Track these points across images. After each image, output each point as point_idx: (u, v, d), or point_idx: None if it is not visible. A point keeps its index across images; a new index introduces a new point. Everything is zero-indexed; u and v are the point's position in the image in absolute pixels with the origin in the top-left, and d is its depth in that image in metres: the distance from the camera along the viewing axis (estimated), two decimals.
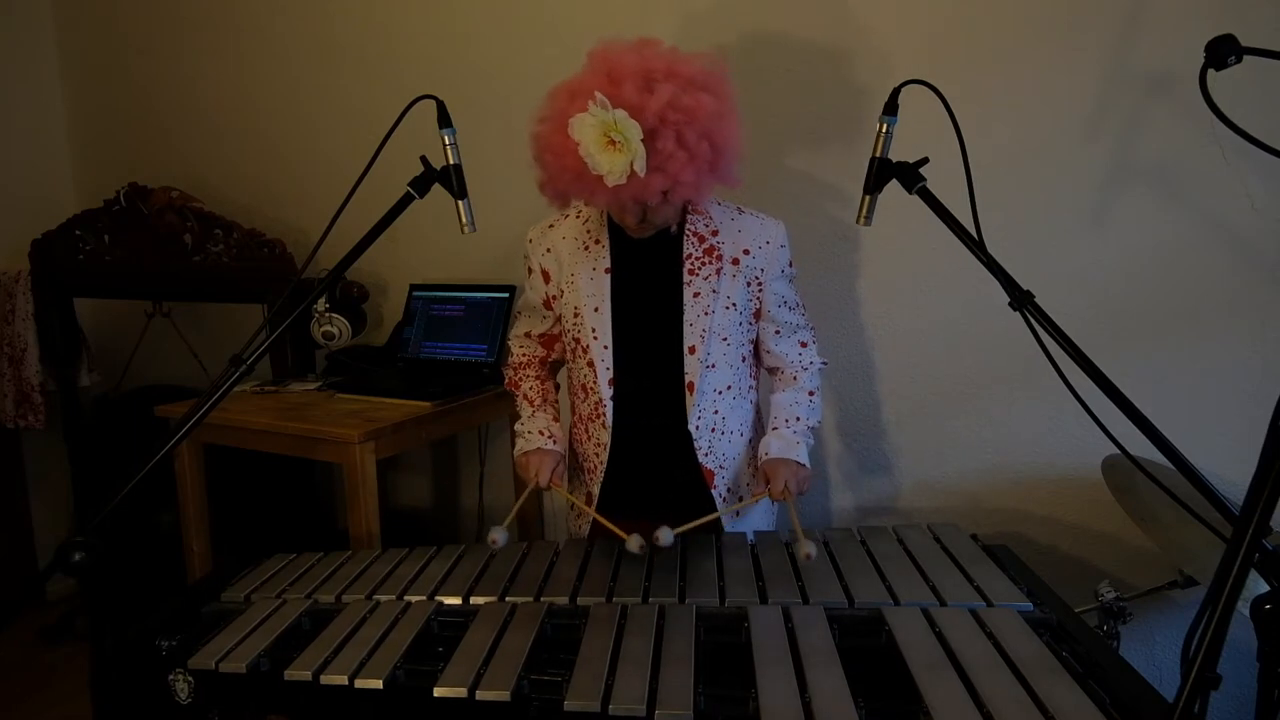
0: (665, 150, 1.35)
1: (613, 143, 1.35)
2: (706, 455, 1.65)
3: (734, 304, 1.61)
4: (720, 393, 1.64)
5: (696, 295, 1.59)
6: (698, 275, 1.60)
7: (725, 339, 1.62)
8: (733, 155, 1.44)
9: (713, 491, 1.66)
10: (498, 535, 1.46)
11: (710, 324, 1.59)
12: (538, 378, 1.80)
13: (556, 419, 1.75)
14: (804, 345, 1.72)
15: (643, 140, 1.34)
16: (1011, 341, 1.95)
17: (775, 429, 1.66)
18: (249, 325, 2.85)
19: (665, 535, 1.45)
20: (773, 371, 1.74)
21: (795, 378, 1.70)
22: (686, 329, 1.60)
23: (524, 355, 1.82)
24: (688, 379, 1.61)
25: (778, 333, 1.69)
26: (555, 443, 1.69)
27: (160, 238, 2.79)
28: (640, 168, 1.35)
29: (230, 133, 3.00)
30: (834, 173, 2.10)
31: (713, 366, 1.62)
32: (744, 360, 1.67)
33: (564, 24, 2.34)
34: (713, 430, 1.65)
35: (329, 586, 1.52)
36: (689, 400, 1.61)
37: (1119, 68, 1.81)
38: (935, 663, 1.15)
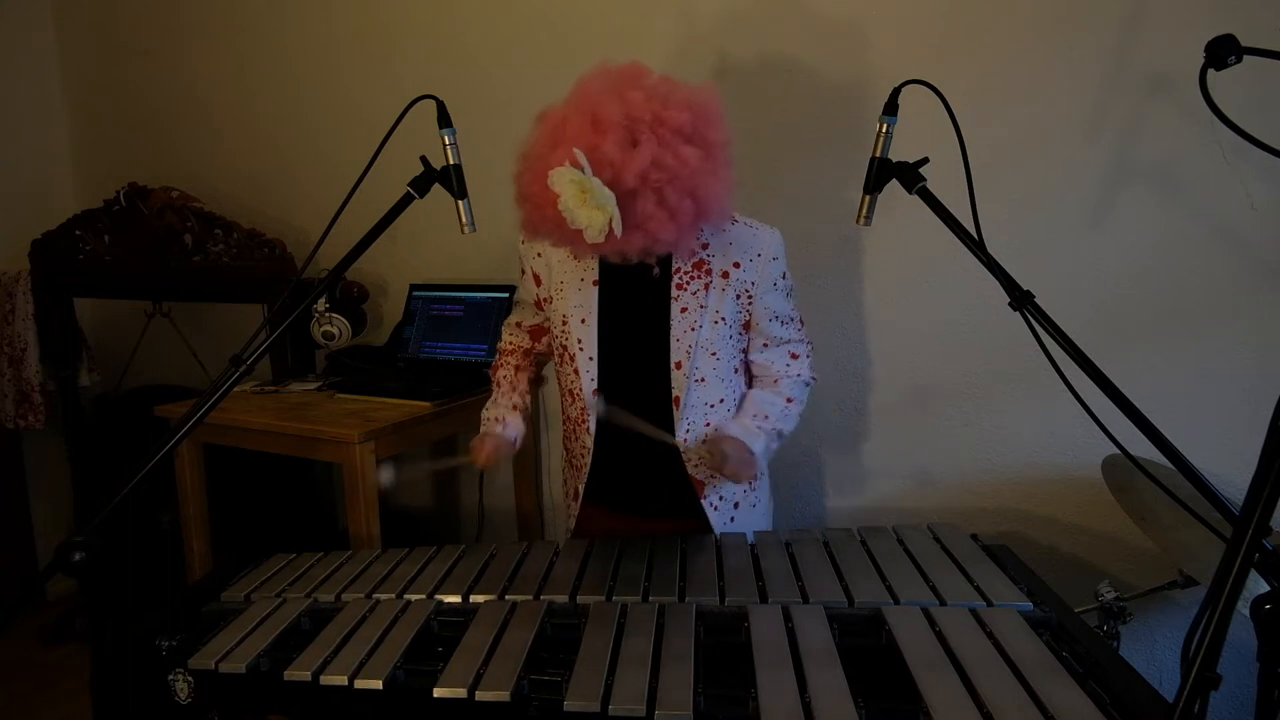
0: (645, 211, 1.33)
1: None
2: (697, 467, 1.64)
3: (723, 318, 1.58)
4: (713, 406, 1.62)
5: (684, 311, 1.57)
6: (685, 290, 1.58)
7: (714, 354, 1.60)
8: (718, 204, 1.40)
9: (703, 501, 1.65)
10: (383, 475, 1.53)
11: (697, 339, 1.57)
12: (516, 366, 1.82)
13: (517, 407, 1.76)
14: (794, 357, 1.68)
15: (620, 203, 1.31)
16: (1011, 341, 1.95)
17: (739, 418, 1.62)
18: (249, 325, 2.84)
19: (599, 404, 1.53)
20: (755, 377, 1.71)
21: (776, 381, 1.67)
22: (673, 344, 1.58)
23: (510, 343, 1.86)
24: (674, 394, 1.60)
25: (765, 345, 1.66)
26: (504, 428, 1.71)
27: (160, 238, 2.79)
28: (617, 227, 1.33)
29: (230, 133, 3.00)
30: (834, 173, 2.09)
31: (702, 381, 1.60)
32: (736, 372, 1.65)
33: (565, 24, 2.34)
34: (703, 442, 1.62)
35: (329, 586, 1.52)
36: (675, 415, 1.60)
37: (1119, 68, 1.81)
38: (935, 663, 1.15)
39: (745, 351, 1.67)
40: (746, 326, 1.63)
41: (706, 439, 1.62)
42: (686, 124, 1.36)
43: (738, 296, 1.59)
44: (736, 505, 1.69)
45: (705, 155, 1.36)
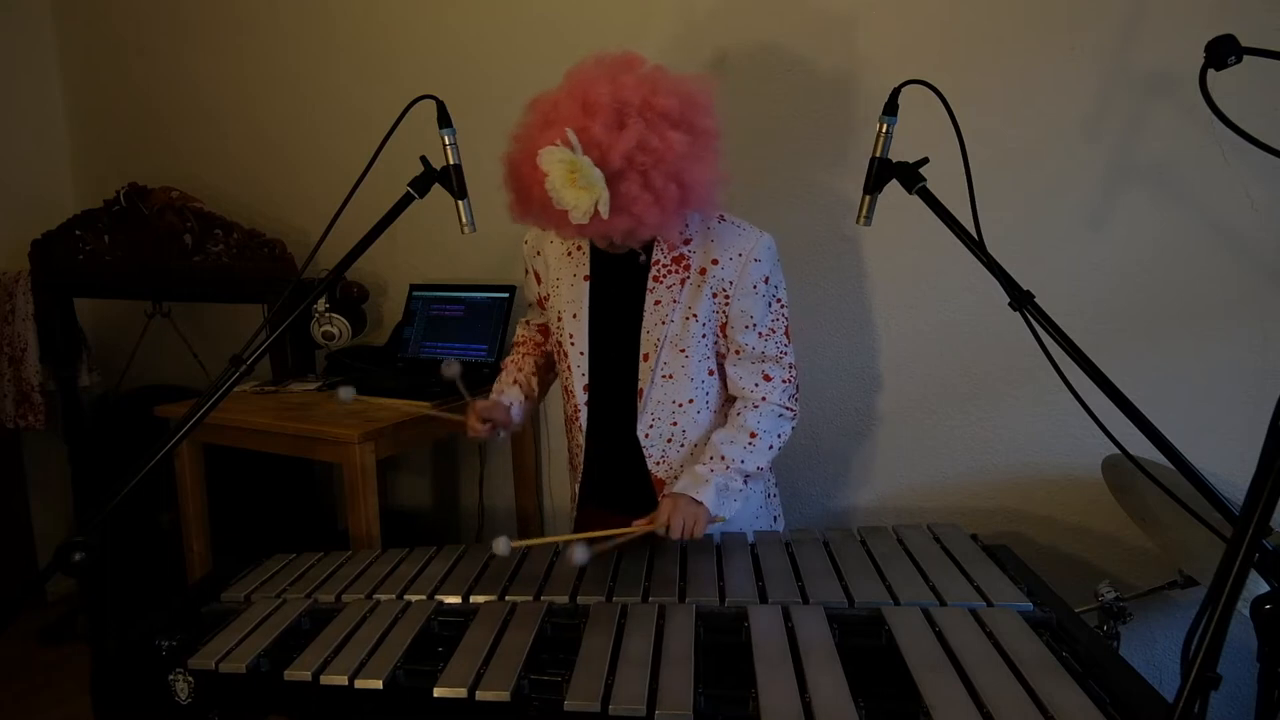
0: (629, 193, 1.34)
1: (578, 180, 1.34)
2: (658, 464, 1.62)
3: (695, 315, 1.55)
4: (680, 405, 1.59)
5: (657, 303, 1.57)
6: (661, 283, 1.57)
7: (683, 350, 1.57)
8: (705, 191, 1.41)
9: (660, 500, 1.61)
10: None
11: (666, 333, 1.56)
12: (525, 354, 1.85)
13: (517, 381, 1.78)
14: (766, 379, 1.57)
15: (606, 184, 1.32)
16: (1012, 341, 1.95)
17: (691, 464, 1.56)
18: (249, 325, 2.84)
19: (579, 555, 1.38)
20: (731, 400, 1.62)
21: (739, 414, 1.57)
22: (643, 336, 1.57)
23: (523, 336, 1.89)
24: (639, 386, 1.59)
25: (737, 353, 1.58)
26: (502, 396, 1.74)
27: (160, 238, 2.79)
28: (604, 209, 1.34)
29: (230, 133, 3.00)
30: (834, 173, 2.09)
31: (669, 377, 1.58)
32: (712, 374, 1.61)
33: (564, 24, 2.34)
34: (669, 441, 1.60)
35: (329, 586, 1.52)
36: (637, 406, 1.60)
37: (1119, 68, 1.81)
38: (935, 663, 1.15)
39: (724, 358, 1.62)
40: (724, 330, 1.59)
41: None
42: (674, 109, 1.37)
43: (714, 295, 1.55)
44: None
45: (692, 141, 1.37)
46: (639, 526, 1.50)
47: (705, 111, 1.41)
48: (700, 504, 1.49)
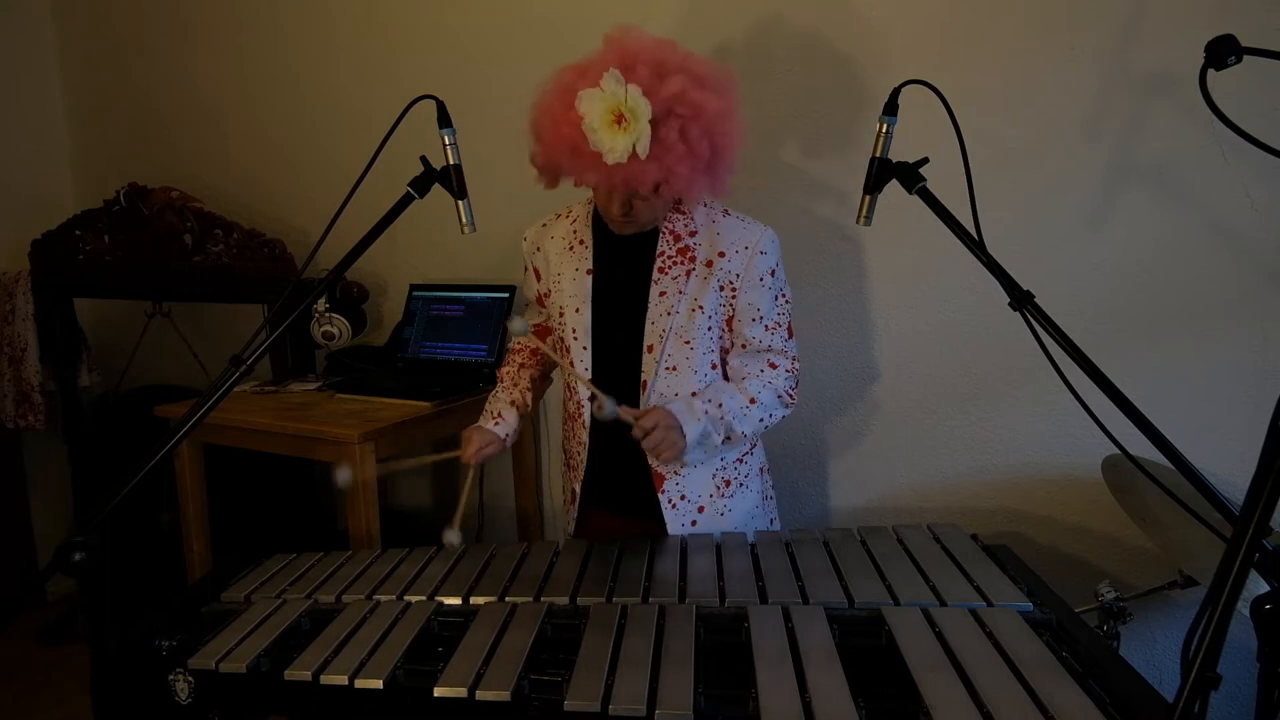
0: (667, 140, 1.35)
1: (618, 121, 1.34)
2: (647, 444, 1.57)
3: (701, 307, 1.56)
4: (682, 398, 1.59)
5: (662, 294, 1.56)
6: (666, 274, 1.57)
7: (688, 342, 1.56)
8: (730, 160, 1.43)
9: (660, 496, 1.61)
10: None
11: (671, 325, 1.56)
12: (521, 365, 1.82)
13: (515, 403, 1.74)
14: (771, 366, 1.61)
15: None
16: (1012, 341, 1.95)
17: (689, 398, 1.56)
18: (249, 325, 2.84)
19: (609, 407, 1.45)
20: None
21: (743, 379, 1.60)
22: (648, 328, 1.57)
23: (518, 343, 1.87)
24: (642, 378, 1.58)
25: (744, 347, 1.60)
26: (498, 425, 1.69)
27: (160, 238, 2.79)
28: (642, 150, 1.34)
29: (230, 133, 3.00)
30: (834, 173, 2.09)
31: (673, 369, 1.57)
32: (714, 368, 1.62)
33: (564, 24, 2.34)
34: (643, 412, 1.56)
35: (329, 586, 1.52)
36: (640, 399, 1.59)
37: (1119, 68, 1.81)
38: (935, 663, 1.15)
39: (728, 352, 1.63)
40: (730, 324, 1.60)
41: (723, 478, 1.60)
42: (711, 76, 1.40)
43: (720, 288, 1.56)
44: (701, 510, 1.64)
45: (725, 107, 1.40)
46: (625, 412, 1.49)
47: (733, 89, 1.44)
48: (683, 435, 1.50)
